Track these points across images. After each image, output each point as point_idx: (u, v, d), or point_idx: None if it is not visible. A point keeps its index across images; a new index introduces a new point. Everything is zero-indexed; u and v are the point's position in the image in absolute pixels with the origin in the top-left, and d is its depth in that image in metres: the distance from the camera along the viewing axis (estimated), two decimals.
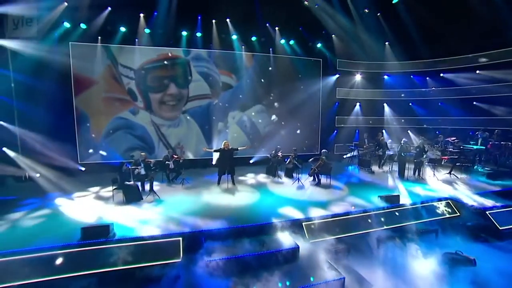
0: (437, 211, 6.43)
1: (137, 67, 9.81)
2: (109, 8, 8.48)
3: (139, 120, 10.04)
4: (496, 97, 10.36)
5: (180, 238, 4.61)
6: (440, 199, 6.72)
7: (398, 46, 11.61)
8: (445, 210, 6.52)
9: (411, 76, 12.41)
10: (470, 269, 4.36)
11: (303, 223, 5.32)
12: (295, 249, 4.69)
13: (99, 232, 4.57)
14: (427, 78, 12.20)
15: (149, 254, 4.40)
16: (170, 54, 10.01)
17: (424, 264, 4.65)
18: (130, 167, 6.63)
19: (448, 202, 6.70)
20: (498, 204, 6.37)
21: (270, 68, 11.18)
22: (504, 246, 5.31)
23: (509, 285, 3.96)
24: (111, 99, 9.70)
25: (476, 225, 5.89)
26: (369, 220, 5.71)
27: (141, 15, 8.96)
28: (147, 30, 9.30)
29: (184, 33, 9.62)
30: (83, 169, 9.26)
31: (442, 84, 11.84)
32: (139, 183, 6.76)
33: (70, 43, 8.97)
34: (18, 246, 4.26)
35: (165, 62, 9.95)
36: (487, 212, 5.99)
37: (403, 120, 12.62)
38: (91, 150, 9.46)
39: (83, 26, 8.73)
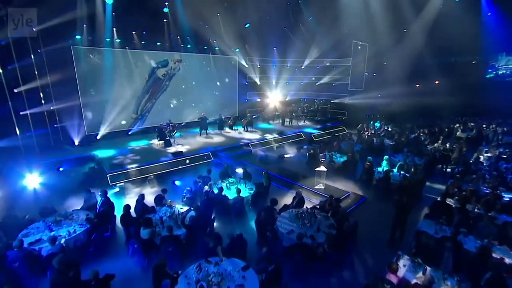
0: (297, 136, 16.68)
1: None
2: (115, 29, 13.68)
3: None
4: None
5: (210, 152, 12.62)
6: (298, 132, 17.05)
7: (282, 50, 21.33)
8: (299, 136, 16.88)
9: (287, 65, 22.62)
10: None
11: (249, 144, 14.22)
12: (250, 150, 13.64)
13: (178, 153, 11.96)
14: (296, 69, 22.78)
15: (200, 158, 12.23)
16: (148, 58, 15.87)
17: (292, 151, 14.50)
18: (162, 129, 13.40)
19: (301, 133, 17.13)
20: (317, 131, 17.32)
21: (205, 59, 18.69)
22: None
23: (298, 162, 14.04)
24: (106, 90, 14.89)
25: (307, 139, 16.48)
26: (272, 141, 15.22)
27: (133, 32, 14.48)
28: (134, 41, 14.87)
29: (158, 43, 15.72)
30: (98, 137, 14.65)
31: (306, 71, 22.71)
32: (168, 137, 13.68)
33: (72, 47, 13.57)
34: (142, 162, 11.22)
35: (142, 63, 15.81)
36: (312, 135, 16.66)
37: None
38: None
39: (89, 37, 13.54)
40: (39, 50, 11.95)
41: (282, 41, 20.97)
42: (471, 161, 10.49)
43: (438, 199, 7.28)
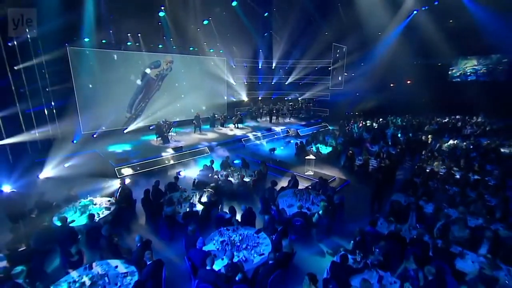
0: (285, 131, 18.17)
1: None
2: (111, 31, 14.41)
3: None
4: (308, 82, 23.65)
5: (206, 147, 13.74)
6: (287, 128, 18.53)
7: (267, 51, 22.74)
8: (288, 131, 18.38)
9: (272, 66, 24.08)
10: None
11: (242, 139, 15.48)
12: (243, 145, 14.91)
13: (179, 149, 12.99)
14: (280, 70, 24.29)
15: (199, 153, 13.33)
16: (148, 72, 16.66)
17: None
18: (160, 127, 14.32)
19: (287, 129, 18.63)
20: (302, 127, 18.90)
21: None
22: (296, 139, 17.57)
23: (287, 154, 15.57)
24: (103, 90, 15.54)
25: (295, 135, 18.00)
26: (260, 137, 16.58)
27: (128, 34, 15.24)
28: (129, 43, 15.62)
29: (152, 45, 16.56)
30: (95, 136, 15.26)
31: (290, 72, 24.28)
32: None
33: (68, 48, 14.15)
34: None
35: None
36: (298, 131, 18.22)
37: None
38: None
39: (86, 39, 14.19)
40: (38, 51, 12.52)
41: (268, 44, 22.42)
42: (435, 149, 12.45)
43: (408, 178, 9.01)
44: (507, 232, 5.66)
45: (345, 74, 23.85)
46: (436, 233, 5.79)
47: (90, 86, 14.90)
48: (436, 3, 18.85)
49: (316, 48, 21.93)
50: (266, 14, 18.28)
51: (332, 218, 6.93)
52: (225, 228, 6.33)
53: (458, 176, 8.96)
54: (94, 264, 5.25)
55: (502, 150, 11.95)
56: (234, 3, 15.72)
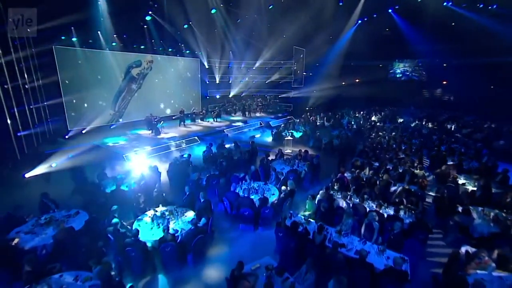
0: (257, 124, 21.06)
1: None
2: (99, 32, 15.71)
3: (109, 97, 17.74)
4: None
5: (196, 137, 15.96)
6: (257, 121, 21.45)
7: (237, 53, 25.39)
8: (260, 123, 21.30)
9: (241, 66, 26.80)
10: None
11: (224, 130, 17.97)
12: (226, 135, 17.43)
13: (173, 137, 14.99)
14: (248, 70, 27.16)
15: (191, 141, 15.49)
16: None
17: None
18: (151, 120, 16.07)
19: (260, 122, 21.56)
20: (272, 119, 22.02)
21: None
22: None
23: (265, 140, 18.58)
24: (87, 87, 16.65)
25: (266, 126, 21.03)
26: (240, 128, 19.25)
27: (115, 35, 16.62)
28: (114, 43, 16.99)
29: (134, 46, 18.08)
30: (84, 132, 16.32)
31: (258, 71, 27.21)
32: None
33: (54, 47, 15.13)
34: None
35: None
36: (269, 122, 21.27)
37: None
38: None
39: (74, 39, 15.32)
40: (33, 50, 13.47)
41: (238, 45, 25.08)
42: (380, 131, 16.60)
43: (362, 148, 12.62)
44: (418, 171, 9.34)
45: (304, 73, 27.66)
46: (381, 175, 9.24)
47: (75, 84, 15.90)
48: (374, 15, 23.62)
49: (280, 50, 25.28)
50: (238, 21, 20.94)
51: (314, 173, 10.00)
52: (242, 183, 8.96)
53: (394, 146, 12.85)
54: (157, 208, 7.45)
55: (422, 130, 16.53)
56: (213, 11, 18.10)
